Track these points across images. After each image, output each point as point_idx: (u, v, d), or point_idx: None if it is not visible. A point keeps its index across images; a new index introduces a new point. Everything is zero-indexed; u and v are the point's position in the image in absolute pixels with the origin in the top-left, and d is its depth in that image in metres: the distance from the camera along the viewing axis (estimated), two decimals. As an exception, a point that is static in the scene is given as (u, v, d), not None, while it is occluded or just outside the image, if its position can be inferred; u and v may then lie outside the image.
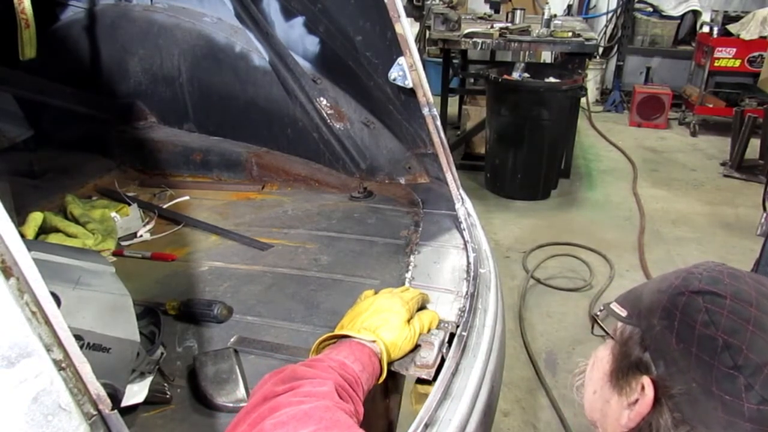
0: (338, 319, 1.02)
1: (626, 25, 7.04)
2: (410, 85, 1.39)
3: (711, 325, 0.66)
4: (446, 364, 0.99)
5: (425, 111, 1.39)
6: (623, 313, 0.79)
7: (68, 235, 1.53)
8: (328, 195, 1.80)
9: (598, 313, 0.85)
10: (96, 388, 0.61)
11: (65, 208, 1.65)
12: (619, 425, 0.76)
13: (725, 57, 5.86)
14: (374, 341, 0.93)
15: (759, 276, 0.72)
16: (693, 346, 0.67)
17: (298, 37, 1.84)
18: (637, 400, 0.73)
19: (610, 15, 7.27)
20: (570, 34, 4.46)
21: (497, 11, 6.34)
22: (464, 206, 1.44)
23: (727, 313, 0.66)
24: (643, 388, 0.72)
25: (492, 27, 4.68)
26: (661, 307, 0.72)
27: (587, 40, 4.42)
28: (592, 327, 0.86)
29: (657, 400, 0.70)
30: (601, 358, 0.82)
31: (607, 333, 0.82)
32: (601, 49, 7.17)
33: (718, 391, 0.65)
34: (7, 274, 0.54)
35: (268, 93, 1.90)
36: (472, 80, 6.29)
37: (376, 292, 1.07)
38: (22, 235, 0.84)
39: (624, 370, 0.75)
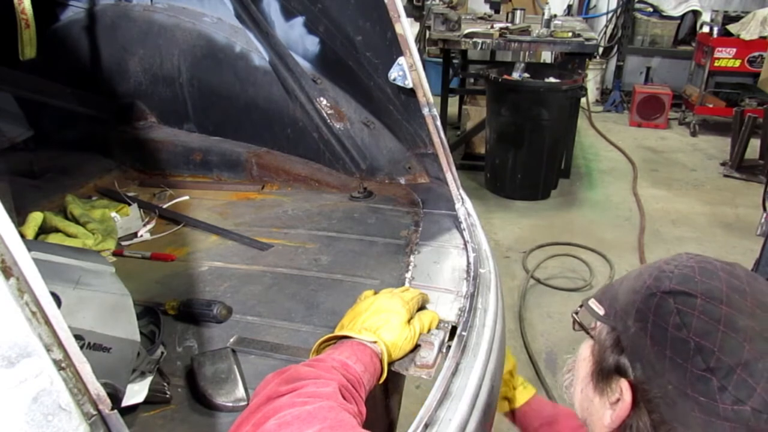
0: (338, 319, 1.02)
1: (626, 25, 7.04)
2: (410, 85, 1.39)
3: (683, 328, 0.67)
4: (446, 364, 0.99)
5: (425, 111, 1.39)
6: (601, 311, 0.79)
7: (68, 235, 1.53)
8: (328, 195, 1.80)
9: (578, 310, 0.86)
10: (96, 387, 0.61)
11: (65, 208, 1.65)
12: (603, 425, 0.77)
13: (725, 57, 5.86)
14: (375, 341, 0.93)
15: (732, 267, 0.72)
16: (666, 348, 0.67)
17: (298, 37, 1.84)
18: (618, 400, 0.74)
19: (610, 15, 7.27)
20: (570, 34, 4.47)
21: (497, 11, 6.34)
22: (464, 206, 1.44)
23: (698, 314, 0.67)
24: (622, 390, 0.72)
25: (492, 27, 4.68)
26: (635, 308, 0.72)
27: (587, 40, 4.42)
28: (573, 324, 0.87)
29: (635, 403, 0.71)
30: (584, 358, 0.83)
31: (587, 331, 0.83)
32: (601, 49, 7.17)
33: (693, 393, 0.65)
34: (7, 274, 0.54)
35: (268, 93, 1.90)
36: (472, 80, 6.29)
37: (375, 292, 1.07)
38: (22, 235, 0.84)
39: (603, 373, 0.76)
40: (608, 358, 0.75)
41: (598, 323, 0.80)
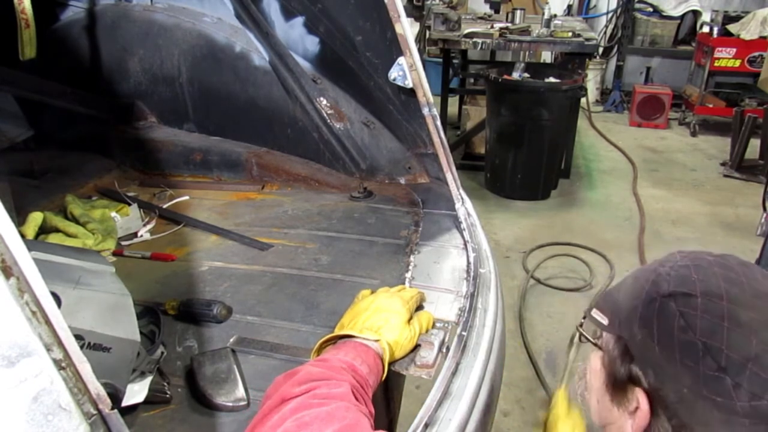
0: (338, 319, 1.02)
1: (626, 25, 7.04)
2: (410, 85, 1.39)
3: (688, 330, 0.66)
4: (446, 364, 0.99)
5: (425, 111, 1.39)
6: (605, 321, 0.79)
7: (68, 235, 1.53)
8: (328, 195, 1.80)
9: (582, 322, 0.85)
10: (96, 387, 0.61)
11: (65, 208, 1.65)
12: None
13: (725, 57, 5.86)
14: (377, 340, 0.93)
15: (725, 260, 0.72)
16: (675, 352, 0.67)
17: (298, 37, 1.84)
18: (636, 408, 0.73)
19: (610, 15, 7.27)
20: (570, 34, 4.46)
21: (497, 11, 6.33)
22: (464, 206, 1.44)
23: (701, 314, 0.66)
24: (638, 399, 0.72)
25: (492, 27, 4.68)
26: (638, 315, 0.72)
27: (587, 40, 4.42)
28: (580, 338, 0.86)
29: (654, 410, 0.70)
30: (596, 370, 0.82)
31: (594, 344, 0.82)
32: (601, 49, 7.17)
33: (709, 394, 0.65)
34: (7, 274, 0.54)
35: (268, 93, 1.90)
36: (472, 80, 6.29)
37: (372, 292, 1.07)
38: (22, 235, 0.84)
39: (618, 384, 0.76)
40: (620, 368, 0.74)
41: (605, 333, 0.79)
